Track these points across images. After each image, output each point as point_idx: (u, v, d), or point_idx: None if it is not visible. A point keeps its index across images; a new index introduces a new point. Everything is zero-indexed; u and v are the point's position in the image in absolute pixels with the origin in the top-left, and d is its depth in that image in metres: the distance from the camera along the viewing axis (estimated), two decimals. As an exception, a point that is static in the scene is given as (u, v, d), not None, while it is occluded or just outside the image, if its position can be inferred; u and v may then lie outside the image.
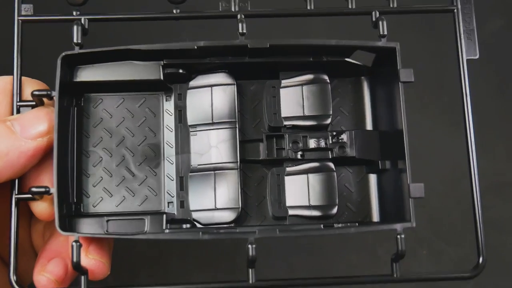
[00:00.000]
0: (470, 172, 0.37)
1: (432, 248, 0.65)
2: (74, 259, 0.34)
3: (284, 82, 0.39)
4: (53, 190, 0.34)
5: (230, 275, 0.63)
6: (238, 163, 0.38)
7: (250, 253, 0.34)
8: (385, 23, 0.37)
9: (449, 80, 0.63)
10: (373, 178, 0.40)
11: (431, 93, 0.68)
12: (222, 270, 0.65)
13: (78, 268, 0.34)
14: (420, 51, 0.68)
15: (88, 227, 0.37)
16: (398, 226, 0.35)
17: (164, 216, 0.37)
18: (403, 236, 0.35)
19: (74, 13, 0.37)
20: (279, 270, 0.64)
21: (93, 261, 0.35)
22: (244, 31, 0.37)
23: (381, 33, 0.37)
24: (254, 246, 0.34)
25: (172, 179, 0.39)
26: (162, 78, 0.38)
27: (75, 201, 0.38)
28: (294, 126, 0.39)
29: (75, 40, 0.36)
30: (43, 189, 0.34)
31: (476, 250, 0.37)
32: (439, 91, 0.68)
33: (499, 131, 0.69)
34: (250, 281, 0.35)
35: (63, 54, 0.35)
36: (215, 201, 0.37)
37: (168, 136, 0.39)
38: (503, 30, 0.70)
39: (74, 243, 0.34)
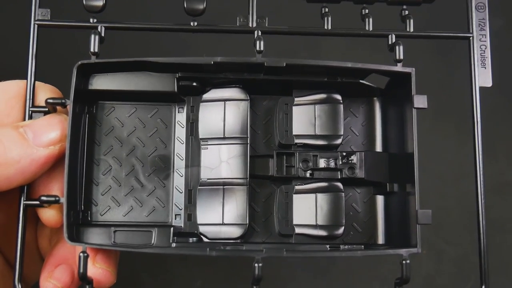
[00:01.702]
0: (477, 210, 0.37)
1: (432, 248, 0.65)
2: (81, 270, 0.34)
3: (297, 100, 0.39)
4: (63, 199, 0.34)
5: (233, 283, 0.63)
6: (248, 179, 0.38)
7: (256, 272, 0.34)
8: (401, 47, 0.37)
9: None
10: (380, 199, 0.40)
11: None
12: (224, 274, 0.65)
13: (84, 279, 0.34)
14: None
15: (95, 236, 0.37)
16: (404, 252, 0.35)
17: (172, 229, 0.37)
18: (408, 261, 0.35)
19: (91, 20, 0.37)
20: (283, 285, 0.64)
21: (100, 270, 0.35)
22: (262, 48, 0.37)
23: (397, 57, 0.37)
24: (260, 265, 0.34)
25: (181, 191, 0.39)
26: (176, 90, 0.38)
27: (82, 209, 0.38)
28: (304, 145, 0.39)
29: (92, 50, 0.36)
30: (53, 198, 0.34)
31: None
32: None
33: (499, 131, 0.69)
34: None
35: (79, 63, 0.35)
36: (223, 216, 0.38)
37: (179, 148, 0.39)
38: (503, 30, 0.70)
39: (81, 254, 0.34)
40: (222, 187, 0.38)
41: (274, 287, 0.62)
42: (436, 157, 0.67)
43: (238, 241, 0.38)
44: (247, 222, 0.37)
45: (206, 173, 0.38)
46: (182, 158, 0.39)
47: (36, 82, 0.36)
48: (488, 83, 0.39)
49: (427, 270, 0.65)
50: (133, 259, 0.62)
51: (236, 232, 0.37)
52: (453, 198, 0.67)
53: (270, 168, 0.39)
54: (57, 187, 0.36)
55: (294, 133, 0.39)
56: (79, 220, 0.37)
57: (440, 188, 0.67)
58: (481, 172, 0.38)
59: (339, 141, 0.39)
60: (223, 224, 0.38)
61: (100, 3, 0.37)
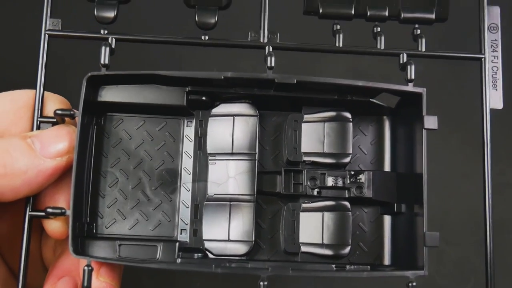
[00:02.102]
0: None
1: (432, 249, 0.65)
2: (85, 284, 0.33)
3: (306, 117, 0.39)
4: (69, 212, 0.34)
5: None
6: (255, 196, 0.38)
7: None
8: (413, 67, 0.37)
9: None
10: (387, 219, 0.40)
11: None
12: (223, 276, 0.65)
13: None
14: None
15: (100, 249, 0.37)
16: (410, 274, 0.35)
17: (177, 244, 0.37)
18: (414, 284, 0.35)
19: (102, 31, 0.37)
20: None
21: (103, 284, 0.35)
22: (273, 65, 0.36)
23: (409, 77, 0.37)
24: (266, 283, 0.34)
25: (187, 206, 0.38)
26: (185, 104, 0.38)
27: (88, 221, 0.37)
28: (313, 162, 0.39)
29: (102, 61, 0.36)
30: (59, 210, 0.34)
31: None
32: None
33: (499, 130, 0.69)
34: None
35: (89, 74, 0.35)
36: (229, 233, 0.37)
37: (186, 163, 0.39)
38: (503, 30, 0.70)
39: (85, 267, 0.34)
40: (229, 203, 0.38)
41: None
42: (439, 156, 0.67)
43: (244, 258, 0.37)
44: (253, 239, 0.37)
45: (213, 189, 0.38)
46: (189, 173, 0.39)
47: (45, 92, 0.36)
48: (499, 105, 0.38)
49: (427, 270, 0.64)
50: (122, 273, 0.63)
51: (241, 249, 0.37)
52: (453, 199, 0.67)
53: (278, 185, 0.39)
54: (63, 199, 0.35)
55: (302, 150, 0.38)
56: (84, 233, 0.37)
57: (440, 189, 0.67)
58: (489, 187, 0.38)
59: (347, 159, 0.39)
60: (228, 240, 0.37)
61: (112, 15, 0.37)
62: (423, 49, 0.38)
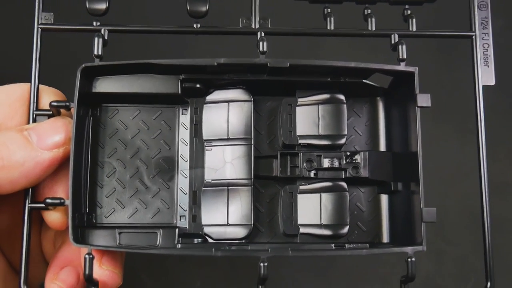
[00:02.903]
0: (482, 207, 0.37)
1: (432, 248, 0.65)
2: (87, 272, 0.34)
3: (300, 100, 0.39)
4: (68, 202, 0.34)
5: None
6: (252, 180, 0.38)
7: (262, 272, 0.34)
8: (404, 47, 0.37)
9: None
10: (384, 198, 0.40)
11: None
12: (223, 274, 0.65)
13: (90, 280, 0.34)
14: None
15: (100, 238, 0.37)
16: (409, 250, 0.35)
17: (177, 230, 0.37)
18: (413, 259, 0.35)
19: (94, 23, 0.37)
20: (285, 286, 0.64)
21: (106, 271, 0.35)
22: (265, 49, 0.37)
23: (400, 57, 0.37)
24: (266, 264, 0.34)
25: (185, 193, 0.39)
26: (179, 92, 0.38)
27: (87, 211, 0.38)
28: (308, 145, 0.39)
29: (95, 52, 0.36)
30: (58, 201, 0.35)
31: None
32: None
33: (498, 130, 0.69)
34: None
35: (83, 66, 0.35)
36: (228, 217, 0.38)
37: (183, 150, 0.39)
38: (503, 30, 0.70)
39: (86, 256, 0.34)
40: (226, 188, 0.38)
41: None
42: (437, 157, 0.67)
43: (243, 241, 0.38)
44: (252, 223, 0.38)
45: (210, 174, 0.38)
46: (186, 160, 0.39)
47: (40, 85, 0.37)
48: (491, 81, 0.39)
49: (427, 270, 0.65)
50: (133, 260, 0.62)
51: (241, 232, 0.38)
52: (453, 198, 0.67)
53: (274, 169, 0.39)
54: (62, 190, 0.36)
55: (297, 133, 0.39)
56: (84, 223, 0.37)
57: (440, 188, 0.67)
58: (485, 170, 0.38)
59: (343, 140, 0.39)
60: (228, 224, 0.38)
61: (103, 7, 0.37)
62: (414, 29, 0.39)
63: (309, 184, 0.39)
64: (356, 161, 0.39)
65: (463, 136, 0.68)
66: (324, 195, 0.38)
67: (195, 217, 0.38)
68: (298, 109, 0.39)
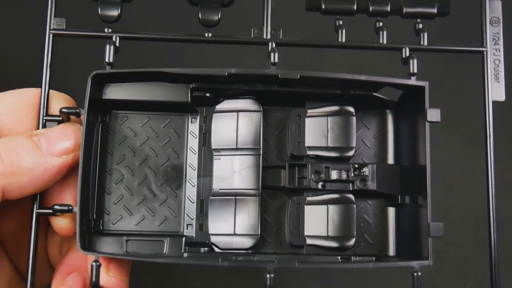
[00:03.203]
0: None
1: (432, 248, 0.65)
2: (93, 279, 0.34)
3: (310, 112, 0.39)
4: (76, 208, 0.34)
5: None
6: (260, 190, 0.38)
7: (268, 283, 0.34)
8: (415, 61, 0.37)
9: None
10: (391, 211, 0.40)
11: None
12: (223, 274, 0.65)
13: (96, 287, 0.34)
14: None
15: (107, 245, 0.37)
16: (415, 264, 0.35)
17: (184, 239, 0.37)
18: (419, 274, 0.35)
19: (106, 30, 0.37)
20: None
21: (113, 278, 0.36)
22: (276, 60, 0.37)
23: (411, 71, 0.37)
24: (272, 275, 0.34)
25: (193, 201, 0.39)
26: (189, 100, 0.38)
27: (94, 217, 0.38)
28: (317, 156, 0.39)
29: (106, 60, 0.36)
30: (66, 207, 0.35)
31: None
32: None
33: (498, 130, 0.69)
34: None
35: (94, 73, 0.35)
36: (235, 227, 0.38)
37: (191, 158, 0.39)
38: (504, 24, 0.70)
39: (93, 263, 0.34)
40: (234, 197, 0.38)
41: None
42: (440, 156, 0.67)
43: (250, 251, 0.38)
44: (259, 233, 0.38)
45: (218, 184, 0.38)
46: (194, 168, 0.39)
47: (51, 91, 0.37)
48: (501, 97, 0.39)
49: (427, 270, 0.64)
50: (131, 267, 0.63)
51: (247, 242, 0.38)
52: (453, 198, 0.67)
53: (282, 179, 0.39)
54: (70, 196, 0.36)
55: (306, 144, 0.39)
56: (91, 229, 0.37)
57: (441, 188, 0.67)
58: (492, 180, 0.38)
59: (351, 153, 0.39)
60: (234, 234, 0.38)
61: (116, 13, 0.37)
62: (425, 43, 0.39)
63: (316, 195, 0.39)
64: (364, 174, 0.39)
65: (467, 133, 0.67)
66: (331, 207, 0.38)
67: (202, 226, 0.38)
68: (307, 120, 0.39)
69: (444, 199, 0.66)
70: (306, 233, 0.38)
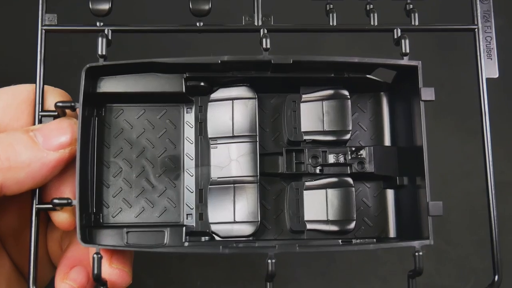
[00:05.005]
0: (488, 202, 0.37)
1: (432, 248, 0.65)
2: (95, 271, 0.34)
3: (304, 97, 0.39)
4: (75, 202, 0.34)
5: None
6: (258, 177, 0.38)
7: (270, 268, 0.34)
8: (407, 41, 0.37)
9: (466, 95, 0.63)
10: (390, 193, 0.40)
11: (441, 107, 0.68)
12: (223, 274, 0.65)
13: (98, 280, 0.34)
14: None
15: (108, 238, 0.37)
16: (416, 244, 0.35)
17: (184, 228, 0.37)
18: (421, 253, 0.35)
19: (98, 23, 0.37)
20: (295, 280, 0.64)
21: (116, 270, 0.36)
22: (268, 46, 0.37)
23: (403, 51, 0.37)
24: (273, 261, 0.34)
25: (192, 191, 0.39)
26: (184, 90, 0.38)
27: (94, 211, 0.38)
28: (313, 141, 0.39)
29: (99, 52, 0.36)
30: (65, 201, 0.35)
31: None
32: (453, 107, 0.68)
33: (498, 129, 0.69)
34: None
35: (87, 66, 0.35)
36: (234, 214, 0.38)
37: (188, 148, 0.39)
38: (503, 30, 0.70)
39: (95, 255, 0.34)
40: (232, 185, 0.38)
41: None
42: (439, 155, 0.67)
43: (250, 238, 0.38)
44: (259, 220, 0.38)
45: (216, 172, 0.39)
46: (192, 158, 0.39)
47: (46, 86, 0.37)
48: (495, 74, 0.39)
49: (427, 270, 0.64)
50: (134, 259, 0.63)
51: (247, 229, 0.38)
52: (453, 197, 0.67)
53: (280, 165, 0.39)
54: (69, 190, 0.36)
55: (302, 129, 0.39)
56: (91, 223, 0.37)
57: (441, 188, 0.67)
58: (491, 165, 0.38)
59: (347, 136, 0.39)
60: (234, 222, 0.38)
61: (106, 7, 0.37)
62: (416, 23, 0.39)
63: (315, 180, 0.39)
64: (361, 156, 0.39)
65: (466, 132, 0.68)
66: (330, 191, 0.38)
67: (202, 215, 0.39)
68: (302, 105, 0.39)
69: (444, 199, 0.66)
70: (306, 218, 0.38)
